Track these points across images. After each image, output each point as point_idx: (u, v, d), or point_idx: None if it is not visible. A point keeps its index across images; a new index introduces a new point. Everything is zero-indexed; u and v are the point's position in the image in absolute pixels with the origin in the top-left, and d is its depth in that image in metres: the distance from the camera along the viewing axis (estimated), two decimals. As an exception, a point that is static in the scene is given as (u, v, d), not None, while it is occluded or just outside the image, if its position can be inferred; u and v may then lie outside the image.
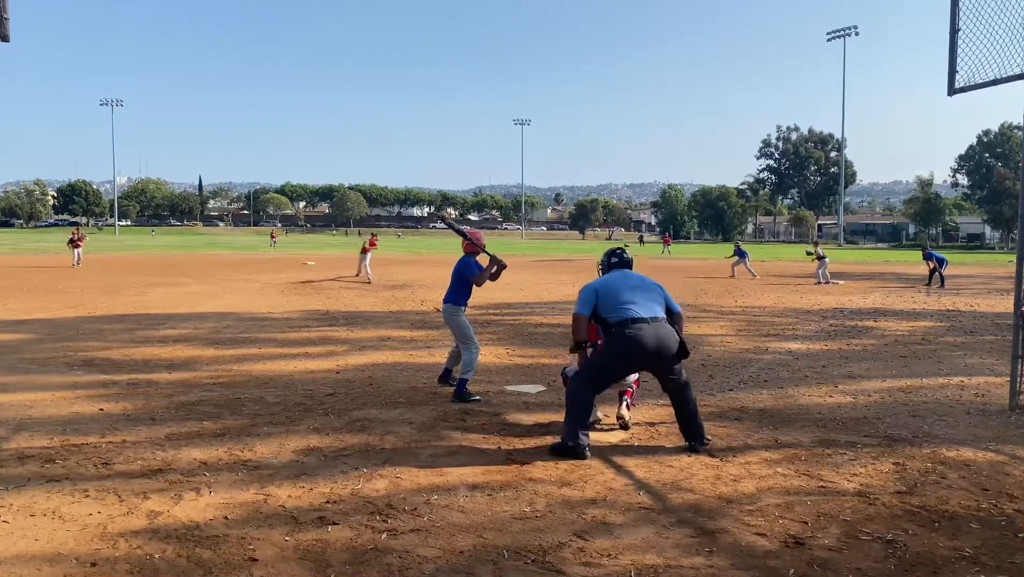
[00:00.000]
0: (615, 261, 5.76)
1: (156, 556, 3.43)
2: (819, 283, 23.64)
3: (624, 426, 5.78)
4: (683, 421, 5.35)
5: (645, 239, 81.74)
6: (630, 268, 5.74)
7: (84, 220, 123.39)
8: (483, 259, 6.97)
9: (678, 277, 26.08)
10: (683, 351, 5.28)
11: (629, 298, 5.28)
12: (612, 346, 5.23)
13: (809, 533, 3.77)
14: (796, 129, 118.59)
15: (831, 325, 12.83)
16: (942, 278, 23.01)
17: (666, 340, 5.19)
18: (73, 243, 28.66)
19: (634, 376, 5.94)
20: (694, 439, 5.27)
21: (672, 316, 5.38)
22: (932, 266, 23.45)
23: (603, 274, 5.75)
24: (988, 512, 4.09)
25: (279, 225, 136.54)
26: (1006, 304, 16.38)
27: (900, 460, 5.01)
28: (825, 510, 4.08)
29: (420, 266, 31.98)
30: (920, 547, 3.61)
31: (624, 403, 5.89)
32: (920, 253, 26.52)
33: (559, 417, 5.80)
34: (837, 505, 4.16)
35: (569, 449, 5.05)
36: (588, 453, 5.05)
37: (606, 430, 5.73)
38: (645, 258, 45.60)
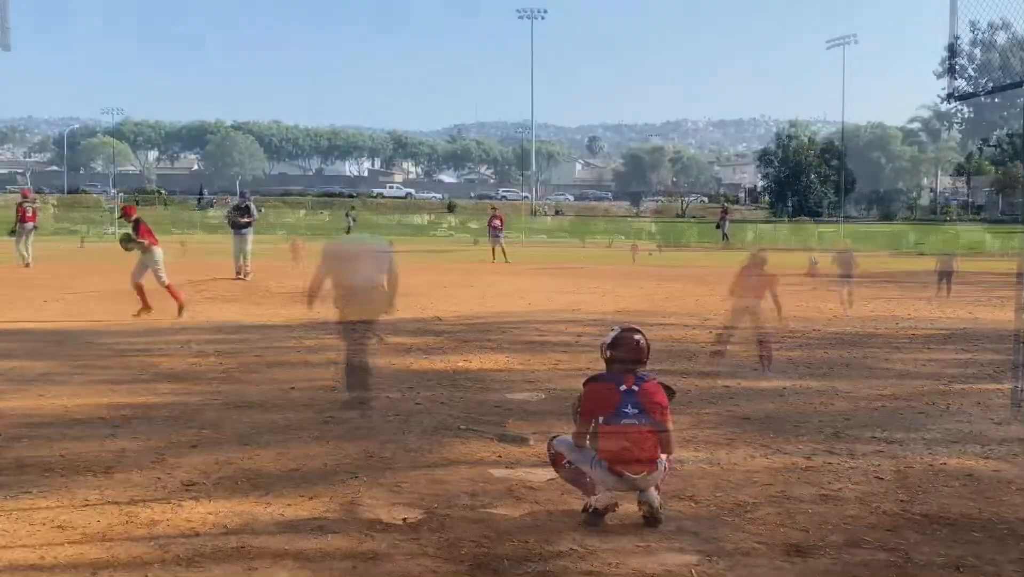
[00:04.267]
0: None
1: (155, 565, 3.42)
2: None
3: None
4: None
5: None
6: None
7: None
8: None
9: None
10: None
11: (353, 267, 6.38)
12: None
13: (810, 541, 3.76)
14: (796, 138, 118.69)
15: (832, 332, 12.81)
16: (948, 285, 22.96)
17: (376, 304, 6.51)
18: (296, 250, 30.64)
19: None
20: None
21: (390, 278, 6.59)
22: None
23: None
24: (990, 520, 4.08)
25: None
26: (1007, 312, 16.37)
27: (901, 468, 5.00)
28: (826, 518, 4.07)
29: (419, 272, 31.89)
30: (921, 555, 3.60)
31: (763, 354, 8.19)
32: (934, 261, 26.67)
33: (559, 425, 5.78)
34: (838, 513, 4.15)
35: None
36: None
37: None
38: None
